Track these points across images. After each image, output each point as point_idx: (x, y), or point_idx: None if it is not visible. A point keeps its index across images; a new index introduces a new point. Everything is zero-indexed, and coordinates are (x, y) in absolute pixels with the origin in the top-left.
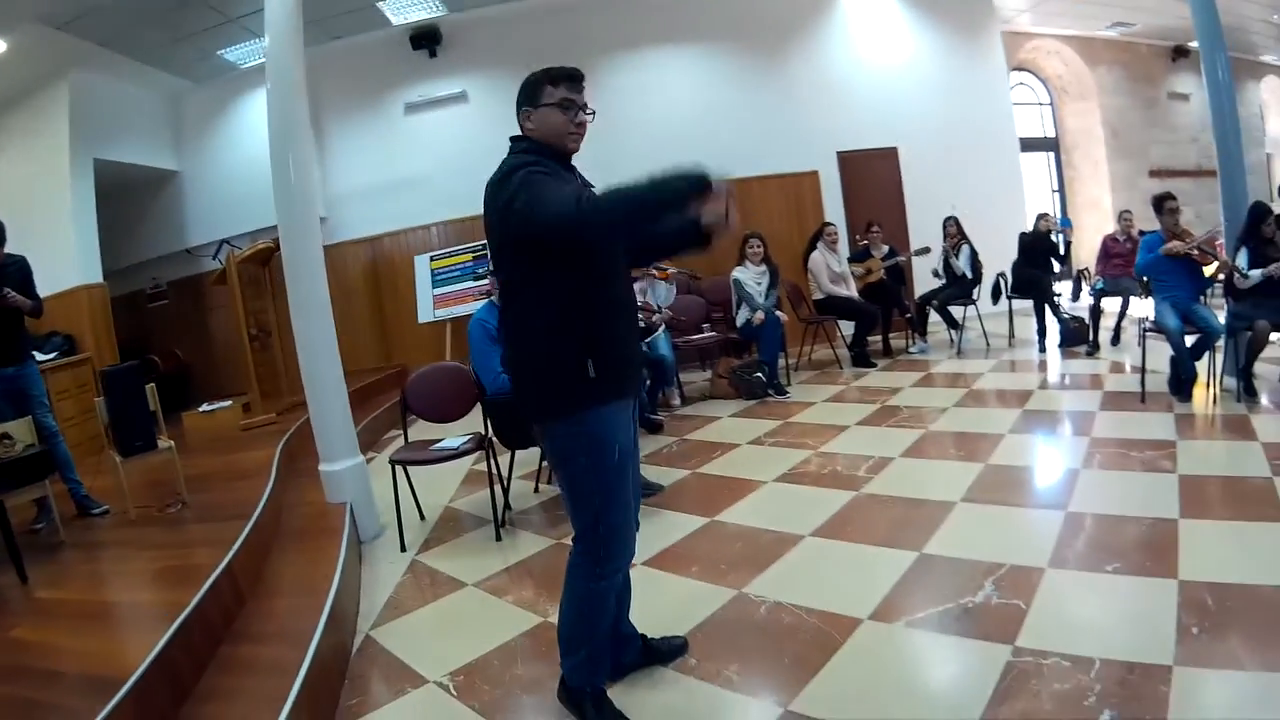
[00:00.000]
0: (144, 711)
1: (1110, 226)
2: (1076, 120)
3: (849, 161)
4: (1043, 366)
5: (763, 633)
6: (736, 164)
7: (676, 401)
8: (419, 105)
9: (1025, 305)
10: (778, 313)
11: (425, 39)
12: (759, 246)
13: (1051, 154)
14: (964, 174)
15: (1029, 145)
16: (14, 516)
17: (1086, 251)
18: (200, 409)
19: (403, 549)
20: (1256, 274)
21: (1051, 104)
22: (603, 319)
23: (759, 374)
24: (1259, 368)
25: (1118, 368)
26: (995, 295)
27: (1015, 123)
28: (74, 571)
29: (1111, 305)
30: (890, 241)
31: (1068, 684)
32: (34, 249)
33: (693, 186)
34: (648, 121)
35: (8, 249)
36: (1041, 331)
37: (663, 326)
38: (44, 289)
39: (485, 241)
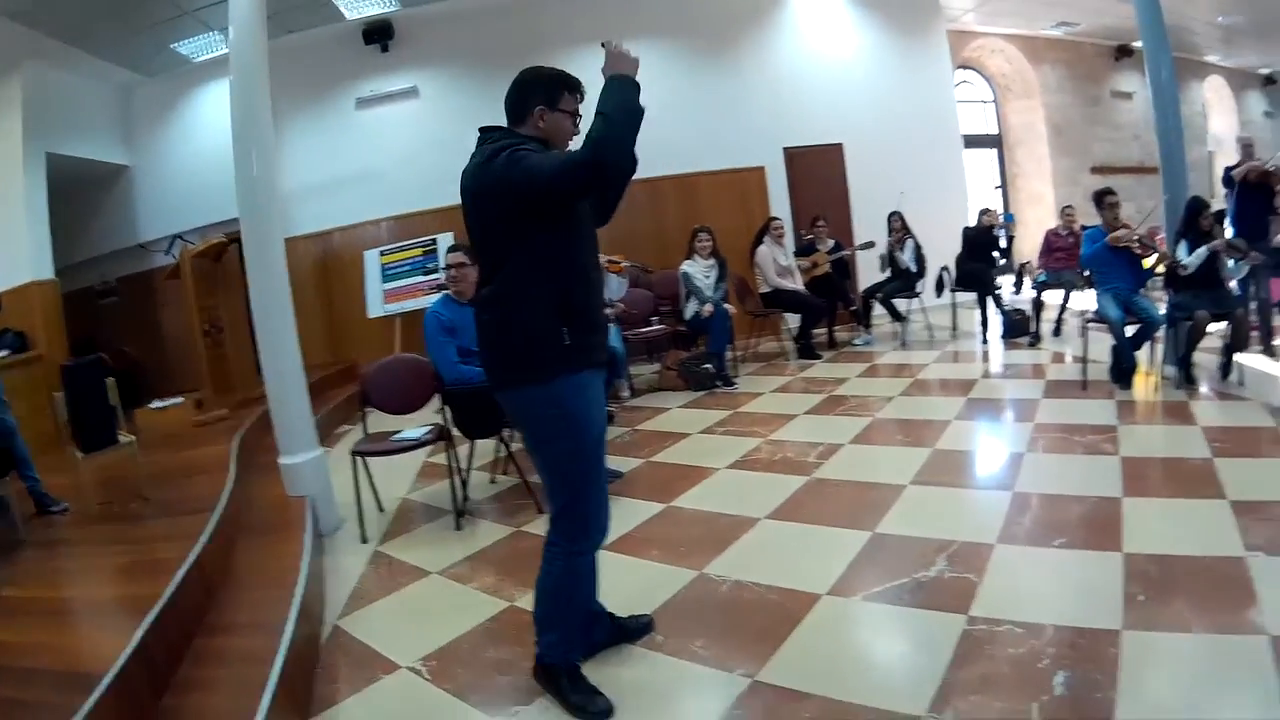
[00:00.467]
0: (125, 704)
1: (1052, 221)
2: (1019, 117)
3: (795, 157)
4: (986, 357)
5: (726, 610)
6: (686, 160)
7: (626, 393)
8: (370, 100)
9: (968, 298)
10: (726, 305)
11: (378, 34)
12: (708, 240)
13: (995, 150)
14: (908, 170)
15: (972, 142)
16: None
17: (1029, 245)
18: (152, 405)
19: (364, 540)
20: (1199, 253)
21: (995, 101)
22: (577, 288)
23: (708, 365)
24: (1198, 356)
25: (1059, 358)
26: (939, 288)
27: (959, 119)
28: (38, 569)
29: (1053, 298)
30: (835, 236)
31: (1021, 649)
32: None
33: (634, 87)
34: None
35: None
36: (984, 323)
37: (613, 319)
38: None
39: (434, 237)
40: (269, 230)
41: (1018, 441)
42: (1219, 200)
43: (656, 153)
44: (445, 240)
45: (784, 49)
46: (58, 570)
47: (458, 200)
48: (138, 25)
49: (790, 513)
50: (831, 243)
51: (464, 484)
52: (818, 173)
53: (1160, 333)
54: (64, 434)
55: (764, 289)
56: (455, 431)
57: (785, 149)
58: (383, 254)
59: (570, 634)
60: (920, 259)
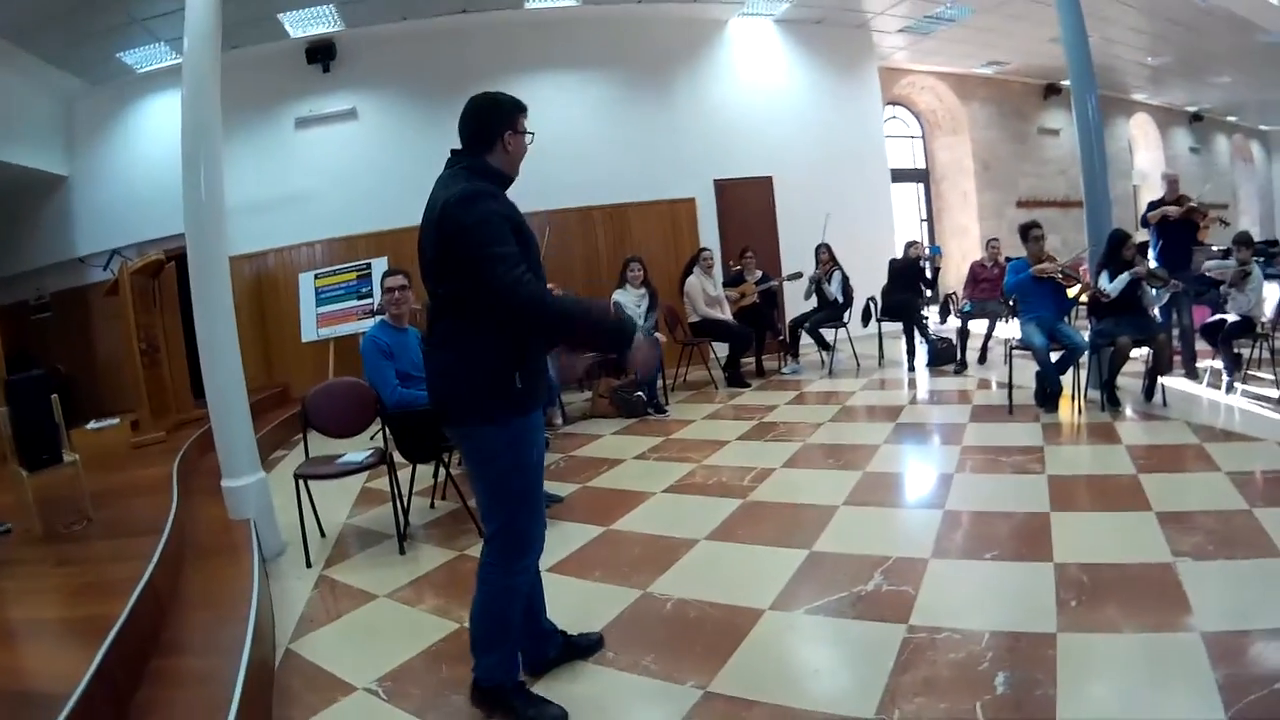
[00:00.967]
0: None
1: (977, 253)
2: (947, 153)
3: (725, 189)
4: (912, 384)
5: (672, 626)
6: (618, 191)
7: (559, 421)
8: (309, 120)
9: (895, 328)
10: (656, 334)
11: (320, 53)
12: (639, 270)
13: (921, 184)
14: (837, 202)
15: (900, 176)
16: None
17: (954, 277)
18: (89, 426)
19: (308, 565)
20: (1121, 279)
21: (923, 137)
22: (529, 339)
23: (639, 393)
24: (1122, 380)
25: (985, 384)
26: (865, 318)
27: (888, 154)
28: None
29: (978, 327)
30: (764, 267)
31: (961, 654)
32: None
33: (614, 334)
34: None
35: None
36: (911, 352)
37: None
38: None
39: (369, 261)
40: (215, 248)
41: (947, 463)
42: (1142, 234)
43: (589, 183)
44: (380, 265)
45: (717, 82)
46: (5, 591)
47: (392, 224)
48: (88, 30)
49: (728, 533)
50: (759, 274)
51: (405, 510)
52: (747, 204)
53: (1084, 358)
54: (8, 450)
55: (693, 318)
56: (396, 455)
57: (715, 180)
58: (317, 277)
59: (510, 654)
60: (847, 290)
